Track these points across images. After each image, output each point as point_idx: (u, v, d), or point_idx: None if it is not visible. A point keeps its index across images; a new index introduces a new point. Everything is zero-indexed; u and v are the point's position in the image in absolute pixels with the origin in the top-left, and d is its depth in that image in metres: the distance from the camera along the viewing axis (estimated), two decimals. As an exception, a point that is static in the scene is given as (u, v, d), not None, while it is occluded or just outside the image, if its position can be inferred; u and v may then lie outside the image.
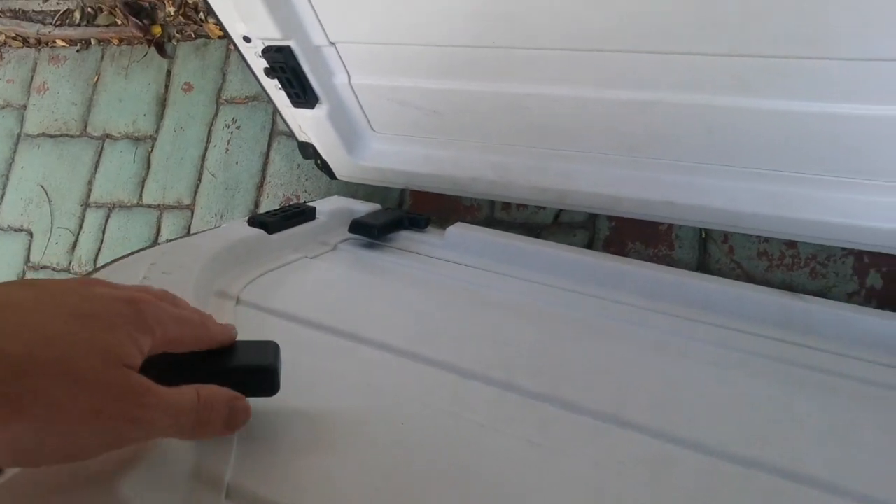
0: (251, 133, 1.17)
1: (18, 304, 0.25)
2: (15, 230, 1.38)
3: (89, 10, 1.40)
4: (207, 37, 1.27)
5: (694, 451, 0.41)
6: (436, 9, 0.63)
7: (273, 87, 0.83)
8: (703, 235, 0.84)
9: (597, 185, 0.78)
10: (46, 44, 1.47)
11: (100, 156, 1.32)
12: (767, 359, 0.58)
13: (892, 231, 0.65)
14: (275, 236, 0.71)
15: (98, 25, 1.38)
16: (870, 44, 0.50)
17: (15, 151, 1.43)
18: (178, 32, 1.30)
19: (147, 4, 1.31)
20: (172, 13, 1.29)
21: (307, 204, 0.82)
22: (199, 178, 1.20)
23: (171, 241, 0.69)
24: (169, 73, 1.29)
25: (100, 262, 1.25)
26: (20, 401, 0.23)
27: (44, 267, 1.33)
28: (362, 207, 0.89)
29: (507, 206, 0.95)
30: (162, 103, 1.28)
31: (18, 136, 1.44)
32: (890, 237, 0.66)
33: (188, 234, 1.18)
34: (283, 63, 0.75)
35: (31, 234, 1.36)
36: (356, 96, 0.81)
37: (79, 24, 1.41)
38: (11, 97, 1.47)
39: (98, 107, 1.35)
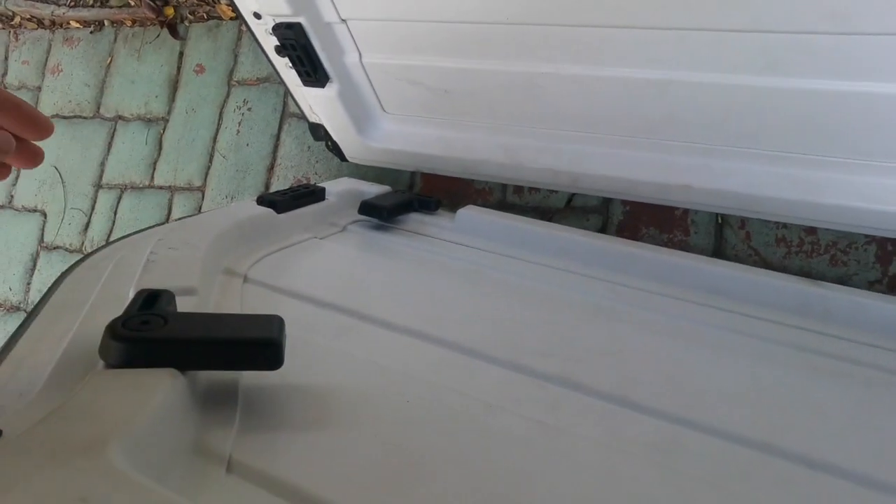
0: (262, 115, 1.16)
1: None
2: (29, 211, 1.39)
3: (102, -10, 1.39)
4: (220, 18, 1.26)
5: (705, 434, 0.40)
6: (448, -17, 0.61)
7: (284, 65, 0.82)
8: (720, 221, 0.82)
9: (611, 168, 0.76)
10: (60, 25, 1.47)
11: (112, 137, 1.32)
12: (783, 345, 0.57)
13: (918, 217, 0.63)
14: (283, 216, 0.70)
15: (111, 7, 1.38)
16: (900, 18, 0.48)
17: (29, 133, 1.44)
18: (190, 14, 1.29)
19: (159, -15, 1.31)
20: (185, -6, 1.28)
21: (317, 185, 0.82)
22: (210, 160, 1.20)
23: (180, 219, 0.69)
24: (181, 54, 1.29)
25: (112, 244, 1.25)
26: None
27: (57, 247, 1.34)
28: (372, 189, 0.88)
29: (518, 189, 0.93)
30: (174, 85, 1.28)
31: (33, 117, 1.44)
32: (916, 223, 0.64)
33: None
34: (293, 40, 0.74)
35: (44, 214, 1.37)
36: (367, 75, 0.80)
37: (92, 6, 1.40)
38: (26, 78, 1.48)
39: (111, 88, 1.35)
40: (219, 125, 1.21)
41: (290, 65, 0.80)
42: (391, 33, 0.72)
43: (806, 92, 0.57)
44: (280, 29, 0.74)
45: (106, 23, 1.40)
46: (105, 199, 1.30)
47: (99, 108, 1.36)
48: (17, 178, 1.43)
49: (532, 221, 0.78)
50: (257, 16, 0.76)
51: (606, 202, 0.88)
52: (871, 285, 0.74)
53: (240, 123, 1.18)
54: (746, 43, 0.55)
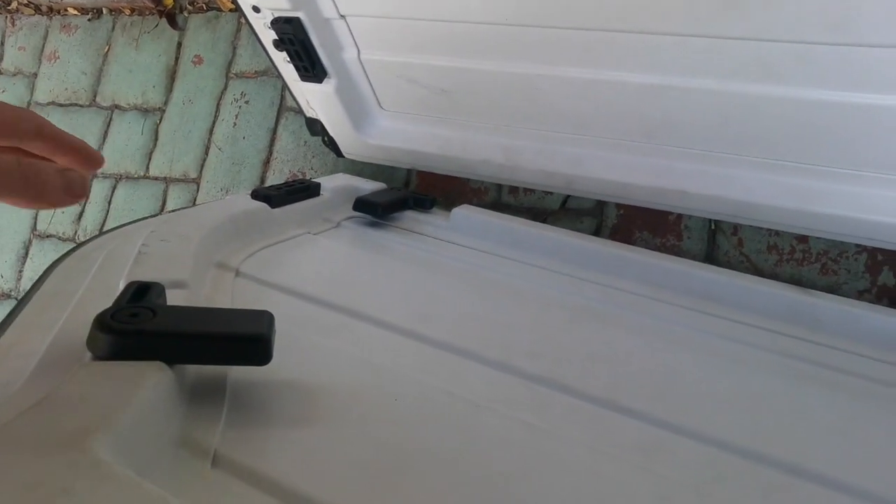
0: (259, 108, 1.16)
1: None
2: (22, 198, 1.38)
3: (101, -22, 1.38)
4: (219, 9, 1.25)
5: (692, 440, 0.40)
6: (448, -18, 0.61)
7: (282, 60, 0.82)
8: (713, 227, 0.83)
9: (607, 171, 0.77)
10: (58, 12, 1.46)
11: (108, 126, 1.32)
12: (772, 352, 0.57)
13: (909, 228, 0.63)
14: (278, 211, 0.70)
15: (110, -5, 1.37)
16: (896, 30, 0.48)
17: (24, 119, 1.43)
18: (189, 4, 1.28)
19: (159, -26, 1.30)
20: (184, -16, 1.27)
21: (312, 180, 0.82)
22: (206, 152, 1.20)
23: (173, 211, 0.69)
24: (179, 45, 1.28)
25: (105, 233, 1.25)
26: None
27: (49, 236, 1.33)
28: (367, 186, 0.88)
29: (514, 190, 0.94)
30: (171, 75, 1.27)
31: (28, 104, 1.43)
32: (906, 234, 0.64)
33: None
34: (292, 35, 0.74)
35: (38, 202, 1.36)
36: (365, 72, 0.80)
37: (91, -7, 1.39)
38: (22, 65, 1.47)
39: (108, 77, 1.35)
40: (215, 117, 1.20)
41: (288, 59, 0.80)
42: (390, 30, 0.71)
43: (803, 101, 0.58)
44: (279, 23, 0.74)
45: (104, 11, 1.39)
46: (99, 189, 1.29)
47: (95, 96, 1.35)
48: (10, 164, 1.42)
49: (526, 222, 0.78)
50: (256, 9, 0.75)
51: (601, 205, 0.89)
52: (860, 294, 0.75)
53: (237, 116, 1.18)
54: (745, 51, 0.55)
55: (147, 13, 1.33)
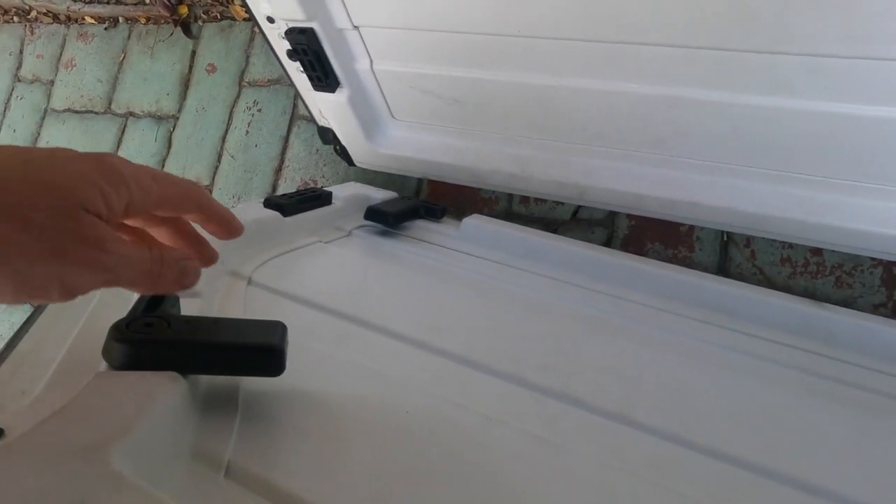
0: (272, 116, 1.17)
1: None
2: (38, 203, 1.40)
3: (118, -12, 1.40)
4: (233, 18, 1.27)
5: (704, 455, 0.40)
6: (461, -6, 0.62)
7: (295, 69, 0.83)
8: (725, 238, 0.82)
9: (618, 181, 0.76)
10: (76, 20, 1.48)
11: (123, 133, 1.33)
12: (785, 366, 0.56)
13: (925, 242, 0.63)
14: (289, 219, 0.70)
15: (126, 4, 1.39)
16: (913, 44, 0.48)
17: (41, 126, 1.45)
18: (204, 13, 1.30)
19: (175, -16, 1.32)
20: (199, -6, 1.29)
21: (324, 189, 0.82)
22: (219, 160, 1.21)
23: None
24: (194, 53, 1.30)
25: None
26: None
27: (64, 241, 1.34)
28: (379, 195, 0.89)
29: (525, 199, 0.94)
30: (185, 83, 1.29)
31: (45, 110, 1.46)
32: (922, 248, 0.64)
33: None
34: (305, 45, 0.75)
35: (53, 208, 1.38)
36: (378, 82, 0.81)
37: (108, 2, 1.42)
38: (40, 72, 1.49)
39: (123, 85, 1.36)
40: (228, 125, 1.21)
41: (302, 69, 0.81)
42: (403, 41, 0.72)
43: (817, 114, 0.57)
44: (293, 33, 0.74)
45: (120, 19, 1.41)
46: (113, 195, 1.30)
47: (110, 103, 1.37)
48: (26, 170, 1.44)
49: (537, 233, 0.78)
50: (270, 20, 0.76)
51: (612, 216, 0.88)
52: (875, 309, 0.74)
53: (249, 124, 1.19)
54: (758, 63, 0.55)
55: (162, 22, 1.35)
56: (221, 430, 0.33)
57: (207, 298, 0.48)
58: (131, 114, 1.34)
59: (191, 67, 1.29)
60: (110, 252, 0.28)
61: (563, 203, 0.91)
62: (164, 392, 0.31)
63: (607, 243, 0.88)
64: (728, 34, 0.54)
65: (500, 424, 0.40)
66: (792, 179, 0.67)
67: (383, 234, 0.79)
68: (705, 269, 0.80)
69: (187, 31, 1.31)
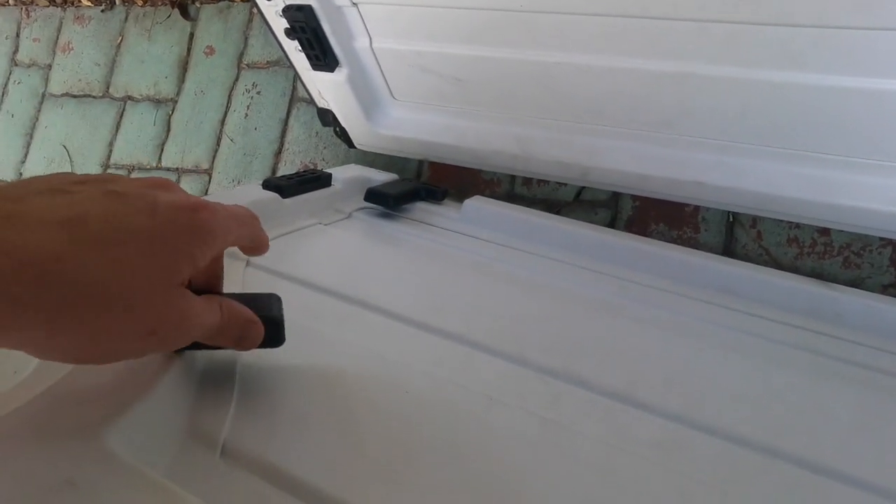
0: (271, 99, 1.16)
1: (86, 222, 0.25)
2: (37, 189, 1.39)
3: (114, -31, 1.38)
4: (231, 0, 1.25)
5: (710, 436, 0.39)
6: (462, -32, 0.60)
7: (293, 49, 0.81)
8: (731, 219, 0.81)
9: (623, 161, 0.75)
10: (72, 3, 1.46)
11: (121, 117, 1.32)
12: (792, 347, 0.55)
13: (936, 220, 0.62)
14: (289, 201, 0.69)
15: (123, -15, 1.37)
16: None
17: (39, 110, 1.44)
18: (201, -6, 1.28)
19: (172, -35, 1.30)
20: (196, -26, 1.27)
21: (323, 171, 0.81)
22: (218, 143, 1.20)
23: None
24: (191, 35, 1.28)
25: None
26: (78, 317, 0.23)
27: (64, 226, 1.34)
28: (379, 177, 0.87)
29: (527, 181, 0.92)
30: (184, 66, 1.27)
31: (43, 95, 1.44)
32: (933, 227, 0.63)
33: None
34: (303, 23, 0.73)
35: (52, 193, 1.37)
36: (377, 61, 0.79)
37: (104, -16, 1.40)
38: (37, 56, 1.47)
39: (121, 68, 1.35)
40: (227, 108, 1.20)
41: (300, 48, 0.79)
42: (403, 18, 0.70)
43: (826, 89, 0.56)
44: (290, 11, 0.73)
45: (117, 2, 1.39)
46: (112, 180, 1.29)
47: (108, 87, 1.35)
48: (25, 156, 1.43)
49: (540, 214, 0.77)
50: (268, -3, 0.75)
51: (616, 196, 0.87)
52: (884, 289, 0.73)
53: (248, 107, 1.18)
54: (768, 36, 0.54)
55: (159, 4, 1.33)
56: (217, 410, 0.33)
57: (205, 279, 0.47)
58: (129, 97, 1.32)
59: (189, 50, 1.27)
60: (194, 324, 0.29)
61: (565, 184, 0.89)
62: (159, 369, 0.30)
63: (611, 225, 0.86)
64: (735, 5, 0.52)
65: (502, 405, 0.39)
66: (800, 158, 0.65)
67: (384, 216, 0.78)
68: (711, 250, 0.79)
69: (185, 12, 1.30)
